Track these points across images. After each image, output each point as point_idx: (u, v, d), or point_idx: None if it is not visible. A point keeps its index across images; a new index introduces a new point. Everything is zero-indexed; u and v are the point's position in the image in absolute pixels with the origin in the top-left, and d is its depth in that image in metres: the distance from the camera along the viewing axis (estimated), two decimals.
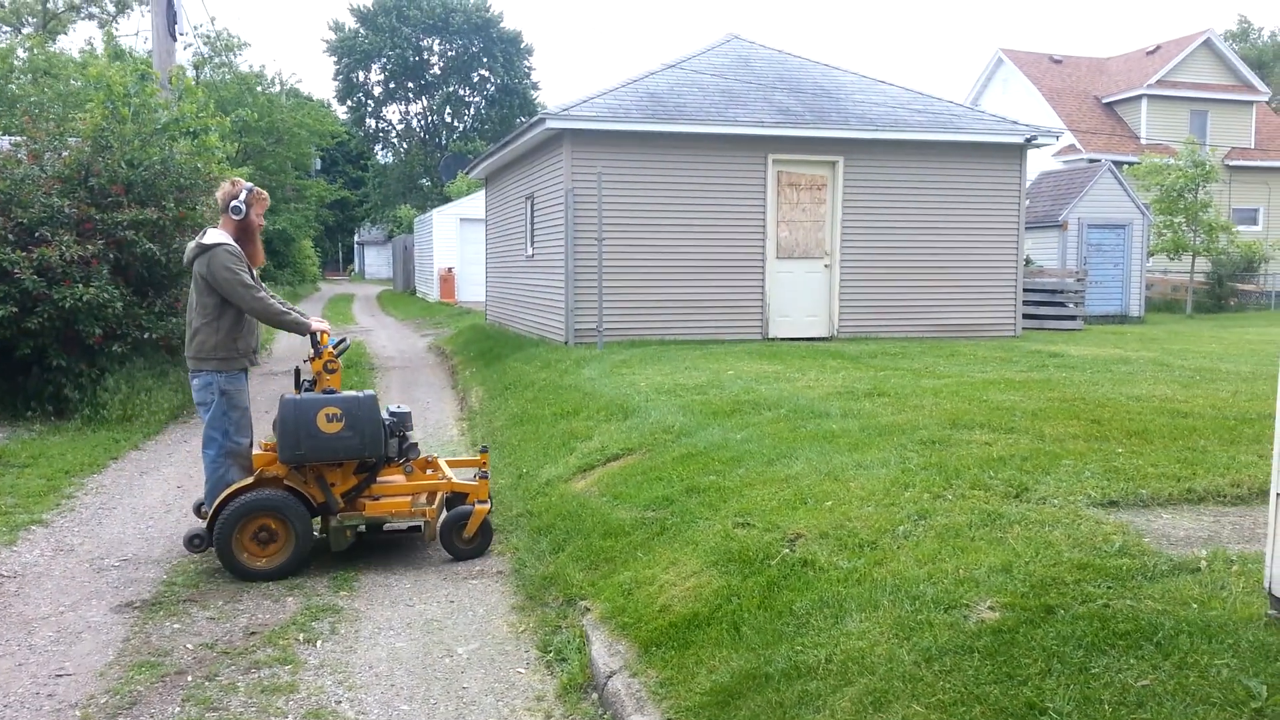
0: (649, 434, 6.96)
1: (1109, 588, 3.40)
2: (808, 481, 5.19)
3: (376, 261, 61.49)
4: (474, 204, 27.55)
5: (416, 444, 5.90)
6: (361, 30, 52.57)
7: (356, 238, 66.44)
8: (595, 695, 3.89)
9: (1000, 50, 34.28)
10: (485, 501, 5.82)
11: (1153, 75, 30.91)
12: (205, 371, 5.58)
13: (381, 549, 5.87)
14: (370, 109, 56.13)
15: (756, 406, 7.42)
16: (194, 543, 5.39)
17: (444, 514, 5.89)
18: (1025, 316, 15.86)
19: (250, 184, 5.78)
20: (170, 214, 10.42)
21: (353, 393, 5.52)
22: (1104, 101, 32.25)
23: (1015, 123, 15.16)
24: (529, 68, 55.36)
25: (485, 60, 54.09)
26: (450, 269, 29.17)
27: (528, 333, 15.52)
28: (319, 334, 5.59)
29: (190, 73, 20.79)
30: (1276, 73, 49.26)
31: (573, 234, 12.72)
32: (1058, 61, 34.19)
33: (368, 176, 56.73)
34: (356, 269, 66.89)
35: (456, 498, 5.97)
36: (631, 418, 7.51)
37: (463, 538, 5.75)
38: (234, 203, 5.63)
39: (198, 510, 5.83)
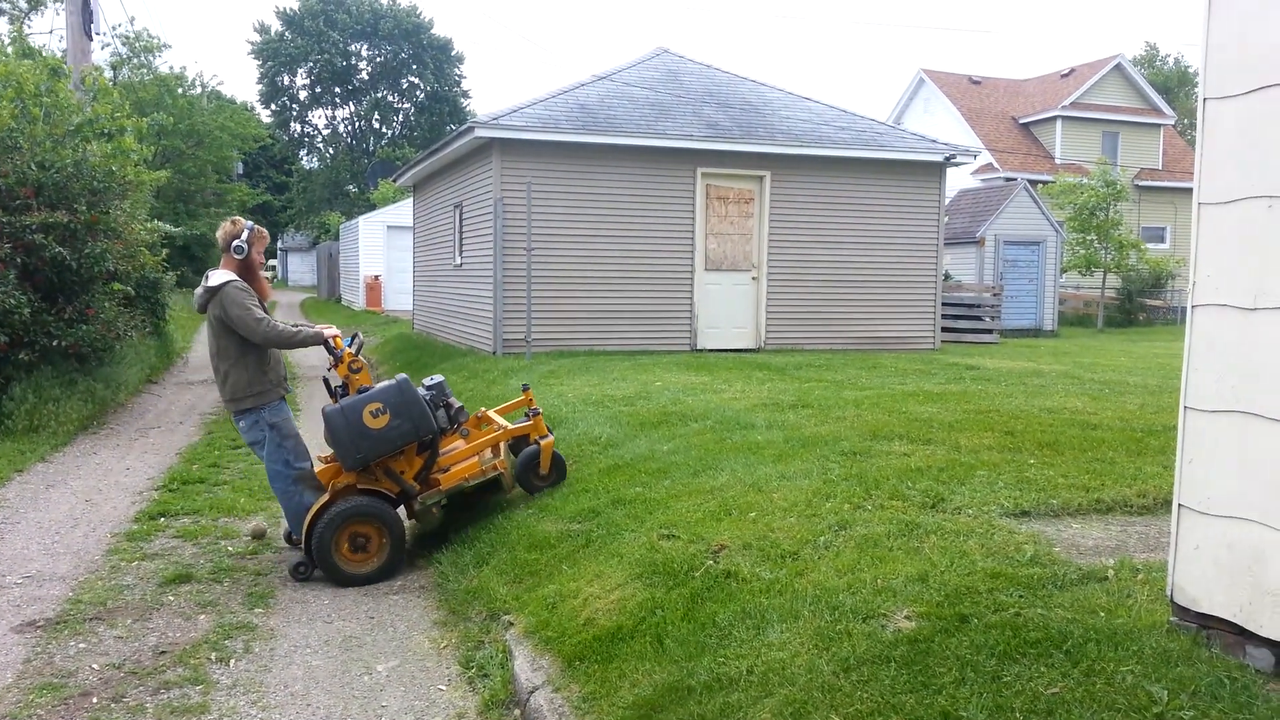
0: (576, 445, 6.94)
1: (1021, 597, 3.50)
2: (732, 493, 5.23)
3: (300, 268, 60.30)
4: (401, 211, 27.23)
5: (462, 407, 6.08)
6: (287, 34, 51.58)
7: (280, 244, 64.97)
8: (518, 712, 3.85)
9: (922, 71, 35.15)
10: (547, 435, 6.18)
11: (1067, 97, 32.01)
12: (248, 411, 5.66)
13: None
14: (295, 113, 55.05)
15: (684, 418, 7.46)
16: (300, 571, 5.54)
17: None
18: (944, 330, 16.24)
19: (251, 223, 5.83)
20: (83, 218, 10.08)
21: (386, 383, 5.63)
22: (1020, 122, 33.27)
23: (935, 141, 15.55)
24: (459, 75, 54.93)
25: (415, 67, 53.52)
26: (377, 277, 28.76)
27: (456, 342, 15.37)
28: (331, 340, 5.69)
29: (108, 74, 20.17)
30: (1181, 97, 51.42)
31: (502, 244, 12.64)
32: (977, 83, 35.19)
33: (292, 182, 55.57)
34: (280, 276, 65.46)
35: (519, 442, 6.27)
36: (559, 429, 7.48)
37: (540, 474, 6.10)
38: (236, 242, 5.69)
39: (289, 539, 5.96)
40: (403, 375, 5.67)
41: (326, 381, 5.85)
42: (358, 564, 5.51)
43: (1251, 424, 2.87)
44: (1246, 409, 2.89)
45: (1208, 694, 2.74)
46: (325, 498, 5.55)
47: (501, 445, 6.23)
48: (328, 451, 5.76)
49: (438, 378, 6.07)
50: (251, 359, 5.62)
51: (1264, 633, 2.85)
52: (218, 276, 5.61)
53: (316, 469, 5.78)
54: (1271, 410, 2.82)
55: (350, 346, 5.76)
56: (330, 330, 5.73)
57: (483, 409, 6.46)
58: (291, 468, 5.69)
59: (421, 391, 5.72)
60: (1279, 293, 2.79)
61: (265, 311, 5.69)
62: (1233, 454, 2.94)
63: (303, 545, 5.55)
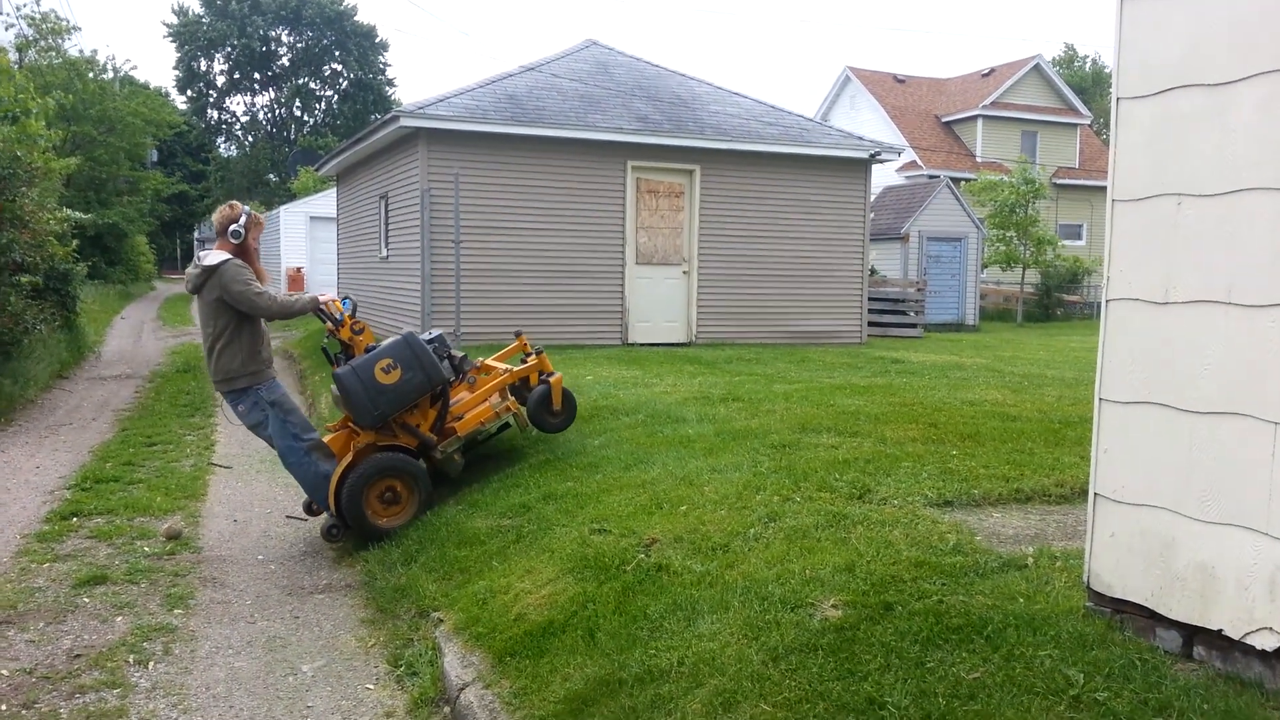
0: (506, 439, 6.89)
1: (943, 584, 3.58)
2: (664, 486, 5.25)
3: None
4: (325, 201, 26.67)
5: (465, 356, 6.23)
6: (206, 16, 50.12)
7: (197, 234, 63.16)
8: (447, 709, 3.82)
9: (848, 68, 35.69)
10: (553, 373, 6.33)
11: (987, 96, 32.80)
12: (243, 391, 5.68)
13: (218, 562, 5.61)
14: (213, 99, 53.54)
15: (615, 412, 7.46)
16: (333, 533, 5.72)
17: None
18: (870, 324, 16.53)
19: (248, 208, 5.87)
20: None
21: (391, 339, 5.76)
22: (943, 120, 34.00)
23: (861, 138, 15.80)
24: (384, 63, 54.05)
25: (338, 54, 52.49)
26: (299, 269, 28.14)
27: (383, 336, 15.12)
28: (328, 305, 5.77)
29: (12, 55, 19.35)
30: (1098, 97, 53.09)
31: (429, 236, 12.48)
32: (901, 81, 35.85)
33: (209, 170, 54.04)
34: None
35: (522, 385, 6.42)
36: None
37: (553, 411, 6.32)
38: (233, 227, 5.72)
39: (308, 509, 6.03)
40: (408, 330, 5.87)
41: (325, 350, 5.98)
42: (391, 517, 5.70)
43: (1162, 414, 2.98)
44: (1158, 400, 3.00)
45: (1121, 675, 2.84)
46: (350, 458, 5.67)
47: (505, 390, 6.42)
48: (337, 420, 5.93)
49: (436, 331, 6.20)
50: (245, 339, 5.65)
51: (1173, 616, 2.97)
52: (214, 256, 5.62)
53: (326, 438, 5.89)
54: (1181, 401, 2.93)
55: (347, 309, 5.86)
56: (325, 296, 5.82)
57: (480, 359, 6.61)
58: (301, 440, 5.75)
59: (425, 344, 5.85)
60: (1188, 287, 2.90)
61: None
62: (1145, 444, 3.05)
63: (332, 508, 5.65)
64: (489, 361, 6.58)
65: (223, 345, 5.63)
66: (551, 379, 6.33)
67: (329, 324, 5.84)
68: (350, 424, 5.90)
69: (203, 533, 6.22)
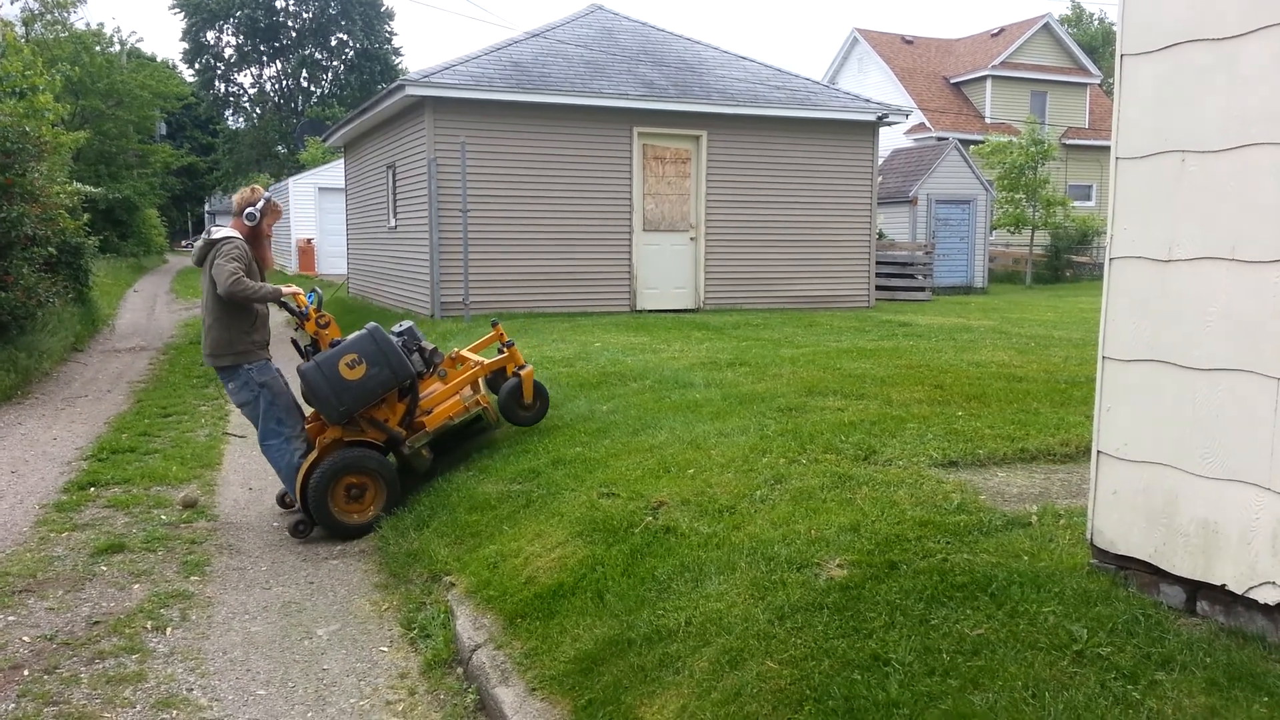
0: None
1: (948, 543, 3.61)
2: (671, 450, 5.29)
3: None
4: (333, 172, 26.62)
5: (436, 348, 6.11)
6: None
7: (207, 207, 63.21)
8: (460, 670, 3.88)
9: (856, 30, 35.26)
10: (525, 366, 6.23)
11: (996, 56, 32.39)
12: (232, 369, 5.67)
13: (233, 529, 5.68)
14: (220, 72, 53.23)
15: (623, 378, 7.49)
16: (299, 529, 5.59)
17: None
18: (878, 288, 16.47)
19: (269, 194, 5.91)
20: None
21: (357, 333, 5.64)
22: (952, 81, 33.62)
23: (868, 101, 15.66)
24: (390, 32, 53.57)
25: (344, 24, 52.03)
26: (309, 240, 28.17)
27: (393, 306, 15.17)
28: (291, 297, 5.68)
29: (19, 30, 19.30)
30: (1107, 57, 52.43)
31: (436, 205, 12.47)
32: (909, 42, 35.42)
33: (218, 142, 53.92)
34: None
35: (497, 377, 6.34)
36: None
37: (524, 404, 6.18)
38: (250, 209, 5.77)
39: (281, 501, 6.03)
40: (373, 324, 5.71)
41: (295, 342, 5.88)
42: (356, 513, 5.62)
43: (1165, 372, 2.99)
44: (1161, 358, 3.00)
45: (1124, 631, 2.87)
46: (314, 454, 5.61)
47: (480, 381, 6.34)
48: (310, 411, 5.84)
49: (407, 323, 6.11)
50: (236, 318, 5.64)
51: (1177, 571, 2.99)
52: (222, 231, 5.68)
53: (307, 426, 5.86)
54: (1183, 359, 2.93)
55: (312, 303, 5.78)
56: (289, 289, 5.73)
57: (455, 349, 6.56)
58: (284, 425, 5.73)
59: (392, 338, 5.76)
60: (1192, 245, 2.90)
61: (257, 277, 5.73)
62: (1148, 401, 3.06)
63: (299, 504, 5.62)
64: (463, 353, 6.49)
65: (213, 320, 5.64)
66: (523, 372, 6.18)
67: (295, 317, 5.76)
68: (316, 418, 5.82)
69: (218, 501, 6.30)
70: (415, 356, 5.86)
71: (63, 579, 4.88)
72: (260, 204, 5.79)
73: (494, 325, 6.47)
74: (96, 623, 4.35)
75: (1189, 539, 2.94)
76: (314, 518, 5.55)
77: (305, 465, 5.57)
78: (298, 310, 5.69)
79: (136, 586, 4.81)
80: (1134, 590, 3.13)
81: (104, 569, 5.02)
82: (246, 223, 5.77)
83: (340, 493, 5.57)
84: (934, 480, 4.39)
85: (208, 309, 5.68)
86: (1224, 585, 2.85)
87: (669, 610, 3.51)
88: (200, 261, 5.70)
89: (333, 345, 5.59)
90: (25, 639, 4.17)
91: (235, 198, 5.93)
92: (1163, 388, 3.00)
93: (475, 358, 6.39)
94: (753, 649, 3.11)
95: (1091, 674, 2.67)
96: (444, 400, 6.05)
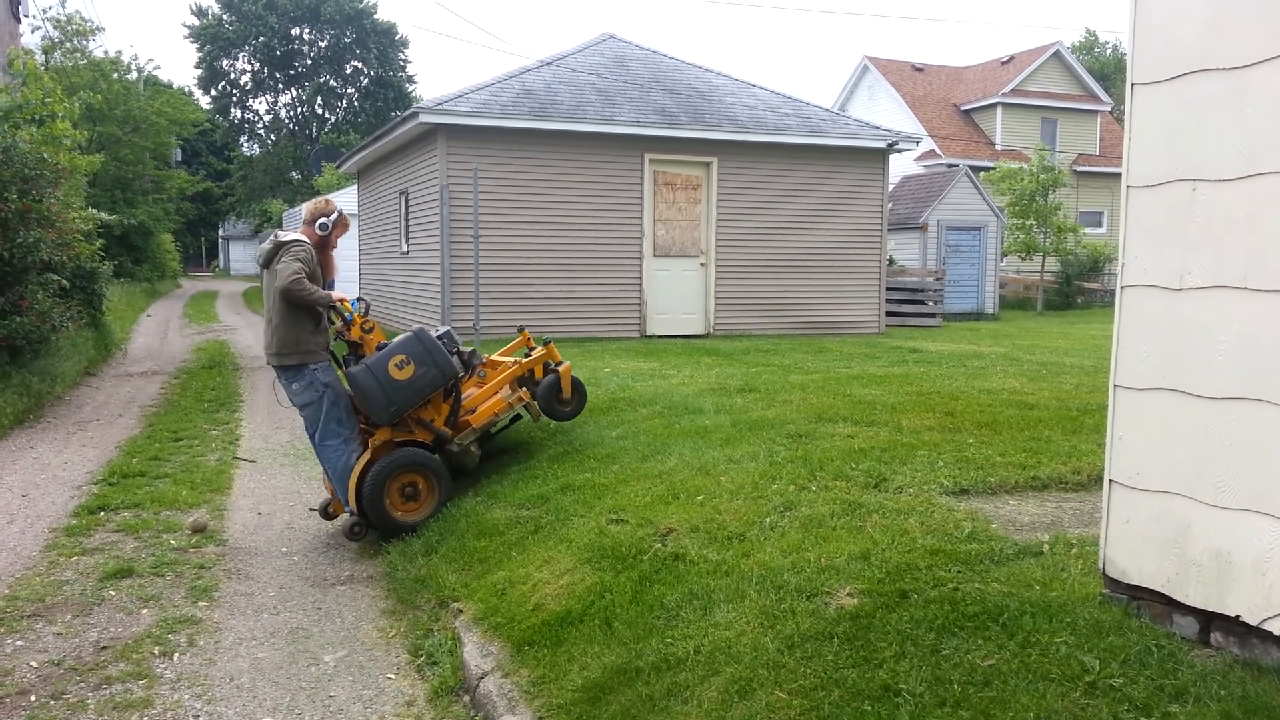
0: (524, 431, 6.93)
1: (959, 572, 3.58)
2: (680, 476, 5.27)
3: (243, 257, 59.13)
4: (346, 198, 26.76)
5: (475, 350, 6.36)
6: (226, 17, 50.39)
7: (221, 232, 63.72)
8: (467, 698, 3.86)
9: (866, 58, 35.45)
10: (562, 362, 6.46)
11: (1007, 84, 32.50)
12: (298, 368, 5.75)
13: (242, 554, 5.68)
14: (236, 99, 53.80)
15: (632, 403, 7.48)
16: (355, 531, 5.78)
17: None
18: (889, 314, 16.47)
19: (340, 207, 6.09)
20: (13, 206, 9.79)
21: (402, 336, 5.85)
22: (962, 109, 33.73)
23: (879, 128, 15.73)
24: (404, 60, 54.09)
25: (358, 52, 52.59)
26: None
27: (405, 330, 15.22)
28: (340, 303, 5.84)
29: (39, 58, 19.57)
30: (1119, 84, 52.53)
31: (448, 231, 12.55)
32: (920, 70, 35.58)
33: (233, 169, 54.39)
34: (221, 265, 64.20)
35: (529, 378, 6.55)
36: None
37: (562, 399, 6.44)
38: (322, 219, 5.95)
39: (324, 511, 6.10)
40: (418, 326, 5.91)
41: (333, 354, 6.00)
42: (411, 512, 5.77)
43: (1177, 401, 2.97)
44: (1173, 386, 2.99)
45: (1137, 662, 2.83)
46: (366, 456, 5.74)
47: (515, 381, 6.53)
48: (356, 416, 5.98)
49: (444, 328, 6.28)
50: (302, 317, 5.74)
51: (1190, 601, 2.96)
52: (292, 235, 5.82)
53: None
54: (1195, 387, 2.91)
55: (358, 309, 5.95)
56: (338, 294, 5.89)
57: (485, 355, 6.73)
58: (344, 426, 5.84)
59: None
60: (1203, 274, 2.89)
61: (319, 283, 5.83)
62: (1160, 430, 3.04)
63: (353, 505, 5.72)
64: (494, 357, 6.67)
65: (279, 320, 5.73)
66: (560, 368, 6.43)
67: (339, 323, 5.90)
68: (364, 422, 5.96)
69: (227, 526, 6.30)
70: (455, 358, 6.02)
71: (71, 603, 4.88)
72: (334, 216, 5.99)
73: (520, 331, 6.77)
74: (104, 648, 4.34)
75: (1202, 569, 2.91)
76: (369, 518, 5.68)
77: (359, 467, 5.71)
78: (345, 315, 5.85)
79: (144, 611, 4.80)
80: (1147, 621, 3.09)
81: (112, 594, 5.02)
82: (318, 232, 5.92)
83: (395, 492, 5.73)
84: (945, 508, 4.36)
85: (273, 309, 5.77)
86: (1238, 616, 2.82)
87: (678, 639, 3.49)
88: (267, 263, 5.81)
89: (378, 349, 5.77)
90: (33, 664, 4.16)
91: (307, 206, 6.07)
92: (1175, 416, 2.98)
93: (509, 359, 6.61)
94: (762, 678, 3.08)
95: (1104, 706, 2.63)
96: (487, 399, 6.25)
